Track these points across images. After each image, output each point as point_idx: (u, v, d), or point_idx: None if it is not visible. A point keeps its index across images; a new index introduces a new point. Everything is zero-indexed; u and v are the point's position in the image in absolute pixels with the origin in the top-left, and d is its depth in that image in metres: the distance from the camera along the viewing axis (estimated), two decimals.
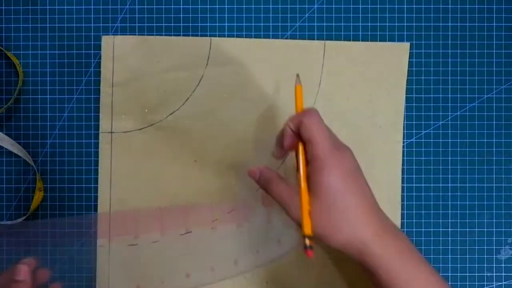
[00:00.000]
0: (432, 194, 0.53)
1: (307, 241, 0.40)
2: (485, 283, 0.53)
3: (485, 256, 0.53)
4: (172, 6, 0.54)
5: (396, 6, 0.54)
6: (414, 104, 0.54)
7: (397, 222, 0.53)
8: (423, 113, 0.54)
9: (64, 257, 0.53)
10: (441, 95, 0.54)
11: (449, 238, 0.53)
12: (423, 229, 0.53)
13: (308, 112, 0.43)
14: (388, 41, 0.54)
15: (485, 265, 0.53)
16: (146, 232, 0.50)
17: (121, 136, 0.53)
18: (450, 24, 0.54)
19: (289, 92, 0.53)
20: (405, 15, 0.54)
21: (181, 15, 0.54)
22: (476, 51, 0.54)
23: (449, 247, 0.53)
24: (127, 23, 0.54)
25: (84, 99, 0.54)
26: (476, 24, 0.54)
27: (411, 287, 0.40)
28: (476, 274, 0.53)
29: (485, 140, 0.54)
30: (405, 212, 0.53)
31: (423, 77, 0.54)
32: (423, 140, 0.54)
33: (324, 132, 0.42)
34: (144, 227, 0.50)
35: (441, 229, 0.53)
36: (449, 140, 0.54)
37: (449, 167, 0.53)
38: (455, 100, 0.54)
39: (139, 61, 0.53)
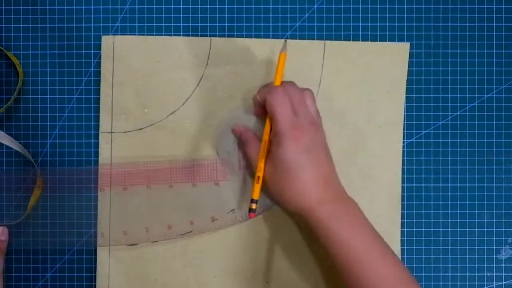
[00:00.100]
0: (432, 194, 0.53)
1: (252, 205, 0.48)
2: (485, 283, 0.53)
3: (485, 256, 0.53)
4: (172, 6, 0.54)
5: (396, 6, 0.54)
6: (414, 104, 0.54)
7: (397, 222, 0.53)
8: (423, 113, 0.54)
9: (65, 204, 0.53)
10: (441, 95, 0.54)
11: (449, 238, 0.53)
12: (423, 229, 0.53)
13: (274, 90, 0.47)
14: (388, 41, 0.54)
15: (485, 265, 0.53)
16: (133, 185, 0.53)
17: (121, 136, 0.53)
18: (450, 24, 0.54)
19: None
20: (405, 15, 0.54)
21: (181, 15, 0.54)
22: (476, 51, 0.54)
23: (449, 247, 0.53)
24: (127, 23, 0.54)
25: (84, 99, 0.54)
26: (476, 24, 0.54)
27: (347, 247, 0.45)
28: (476, 274, 0.53)
29: (485, 140, 0.54)
30: (405, 212, 0.53)
31: (423, 77, 0.54)
32: (423, 140, 0.54)
33: (284, 111, 0.46)
34: (131, 180, 0.53)
35: (441, 229, 0.53)
36: (449, 140, 0.54)
37: (449, 167, 0.54)
38: (455, 100, 0.54)
39: (139, 61, 0.53)
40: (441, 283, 0.53)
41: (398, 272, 0.45)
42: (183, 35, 0.54)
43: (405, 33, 0.54)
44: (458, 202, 0.53)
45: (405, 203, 0.53)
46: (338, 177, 0.49)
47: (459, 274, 0.53)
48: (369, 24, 0.54)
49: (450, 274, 0.53)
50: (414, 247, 0.53)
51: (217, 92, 0.53)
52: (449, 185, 0.54)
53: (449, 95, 0.54)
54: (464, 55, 0.54)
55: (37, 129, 0.54)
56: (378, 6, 0.54)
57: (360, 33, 0.54)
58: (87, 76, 0.54)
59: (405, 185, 0.53)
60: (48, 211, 0.53)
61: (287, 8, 0.54)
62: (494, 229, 0.54)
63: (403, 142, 0.53)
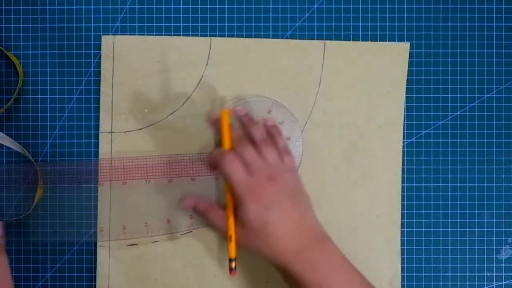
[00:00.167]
0: (432, 194, 0.53)
1: (231, 264, 0.48)
2: (485, 283, 0.53)
3: (485, 256, 0.53)
4: (172, 6, 0.54)
5: (396, 6, 0.54)
6: (414, 104, 0.54)
7: (397, 222, 0.53)
8: (423, 113, 0.54)
9: (66, 195, 0.53)
10: (441, 95, 0.54)
11: (449, 238, 0.53)
12: (423, 229, 0.53)
13: (224, 157, 0.47)
14: (388, 41, 0.54)
15: (485, 265, 0.53)
16: (132, 180, 0.53)
17: (121, 136, 0.53)
18: (450, 24, 0.54)
19: (289, 92, 0.53)
20: (405, 15, 0.54)
21: (181, 15, 0.54)
22: (476, 51, 0.54)
23: (449, 247, 0.53)
24: (127, 23, 0.54)
25: (84, 99, 0.54)
26: (476, 24, 0.54)
27: None
28: (476, 274, 0.53)
29: (485, 140, 0.54)
30: (405, 212, 0.53)
31: (423, 77, 0.54)
32: (423, 140, 0.54)
33: (238, 176, 0.46)
34: (131, 175, 0.53)
35: (441, 229, 0.53)
36: (449, 140, 0.54)
37: (449, 167, 0.54)
38: (455, 100, 0.54)
39: (139, 61, 0.53)
40: (441, 283, 0.53)
41: None
42: (183, 35, 0.54)
43: (405, 33, 0.54)
44: (458, 202, 0.53)
45: (405, 203, 0.53)
46: (312, 216, 0.48)
47: (459, 274, 0.53)
48: (369, 24, 0.54)
49: (450, 274, 0.53)
50: (414, 247, 0.53)
51: (217, 92, 0.53)
52: (449, 185, 0.54)
53: (449, 95, 0.54)
54: (464, 55, 0.54)
55: (37, 129, 0.54)
56: (378, 6, 0.54)
57: (360, 33, 0.54)
58: (87, 76, 0.54)
59: (405, 185, 0.53)
60: (48, 209, 0.53)
61: (287, 8, 0.54)
62: (494, 229, 0.54)
63: (403, 142, 0.53)
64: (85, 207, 0.53)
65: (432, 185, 0.54)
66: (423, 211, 0.53)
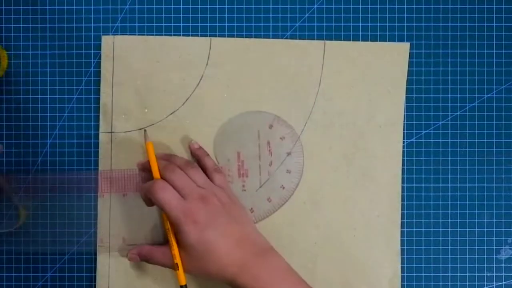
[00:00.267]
0: (432, 194, 0.53)
1: None
2: (485, 283, 0.53)
3: (485, 256, 0.53)
4: (172, 6, 0.54)
5: (396, 6, 0.54)
6: (414, 104, 0.54)
7: (397, 222, 0.53)
8: (423, 113, 0.54)
9: (65, 203, 0.53)
10: (441, 95, 0.54)
11: (449, 238, 0.53)
12: (423, 229, 0.53)
13: (154, 186, 0.47)
14: (388, 41, 0.54)
15: (485, 265, 0.53)
16: (133, 192, 0.53)
17: (121, 136, 0.53)
18: (450, 24, 0.54)
19: (289, 92, 0.53)
20: (405, 15, 0.54)
21: (181, 15, 0.54)
22: (476, 51, 0.54)
23: (449, 247, 0.53)
24: (127, 23, 0.54)
25: (84, 99, 0.54)
26: (476, 24, 0.54)
27: None
28: (476, 274, 0.53)
29: (485, 140, 0.54)
30: (405, 212, 0.53)
31: (423, 77, 0.54)
32: (423, 140, 0.54)
33: (171, 203, 0.46)
34: (131, 187, 0.53)
35: (441, 229, 0.53)
36: (449, 140, 0.54)
37: (449, 167, 0.54)
38: (455, 100, 0.54)
39: (139, 61, 0.53)
40: (441, 283, 0.53)
41: None
42: (183, 35, 0.54)
43: (405, 33, 0.54)
44: (458, 202, 0.53)
45: (405, 203, 0.53)
46: (252, 229, 0.49)
47: (459, 274, 0.53)
48: (369, 24, 0.54)
49: (450, 274, 0.53)
50: (414, 247, 0.53)
51: (217, 92, 0.53)
52: (449, 185, 0.54)
53: (449, 95, 0.54)
54: (464, 55, 0.54)
55: (37, 129, 0.54)
56: (378, 6, 0.54)
57: (360, 33, 0.54)
58: (87, 76, 0.54)
59: (405, 185, 0.53)
60: (48, 216, 0.53)
61: (287, 8, 0.54)
62: (494, 229, 0.54)
63: (403, 142, 0.53)
64: (85, 207, 0.53)
65: (432, 185, 0.54)
66: (423, 211, 0.53)
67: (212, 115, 0.53)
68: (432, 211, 0.53)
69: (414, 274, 0.53)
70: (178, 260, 0.48)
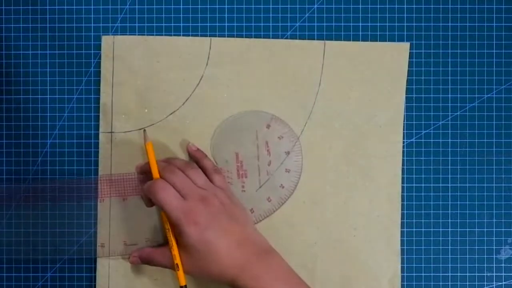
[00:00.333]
0: (432, 194, 0.53)
1: None
2: (485, 283, 0.53)
3: (485, 256, 0.53)
4: (172, 6, 0.54)
5: (396, 6, 0.54)
6: (414, 104, 0.54)
7: (397, 222, 0.53)
8: (423, 113, 0.54)
9: (65, 212, 0.53)
10: (441, 95, 0.54)
11: (449, 238, 0.53)
12: (423, 229, 0.53)
13: (154, 186, 0.47)
14: (388, 41, 0.54)
15: (485, 265, 0.53)
16: (133, 195, 0.53)
17: (121, 136, 0.53)
18: (450, 24, 0.54)
19: (289, 92, 0.53)
20: (405, 15, 0.54)
21: (181, 15, 0.54)
22: (476, 51, 0.54)
23: (449, 247, 0.53)
24: (127, 23, 0.54)
25: (84, 99, 0.54)
26: (476, 24, 0.54)
27: None
28: (476, 274, 0.53)
29: (485, 140, 0.54)
30: (405, 212, 0.53)
31: (423, 77, 0.54)
32: (423, 140, 0.54)
33: (171, 202, 0.46)
34: (131, 191, 0.53)
35: (441, 229, 0.53)
36: (449, 140, 0.54)
37: (449, 167, 0.54)
38: (455, 100, 0.54)
39: (139, 61, 0.53)
40: (441, 283, 0.53)
41: None
42: (183, 35, 0.54)
43: (405, 33, 0.54)
44: (458, 202, 0.53)
45: (405, 203, 0.53)
46: (253, 229, 0.49)
47: (459, 274, 0.53)
48: (369, 24, 0.54)
49: (450, 274, 0.53)
50: (414, 247, 0.53)
51: (217, 92, 0.53)
52: (449, 185, 0.54)
53: (449, 95, 0.54)
54: (464, 55, 0.54)
55: (37, 129, 0.54)
56: (378, 6, 0.54)
57: (360, 33, 0.54)
58: (87, 76, 0.54)
59: (405, 185, 0.53)
60: (48, 216, 0.53)
61: (287, 8, 0.54)
62: (494, 229, 0.54)
63: (403, 142, 0.53)
64: (85, 207, 0.53)
65: (432, 185, 0.53)
66: (423, 211, 0.53)
67: (212, 115, 0.53)
68: (432, 211, 0.53)
69: (414, 274, 0.53)
70: (178, 260, 0.48)
